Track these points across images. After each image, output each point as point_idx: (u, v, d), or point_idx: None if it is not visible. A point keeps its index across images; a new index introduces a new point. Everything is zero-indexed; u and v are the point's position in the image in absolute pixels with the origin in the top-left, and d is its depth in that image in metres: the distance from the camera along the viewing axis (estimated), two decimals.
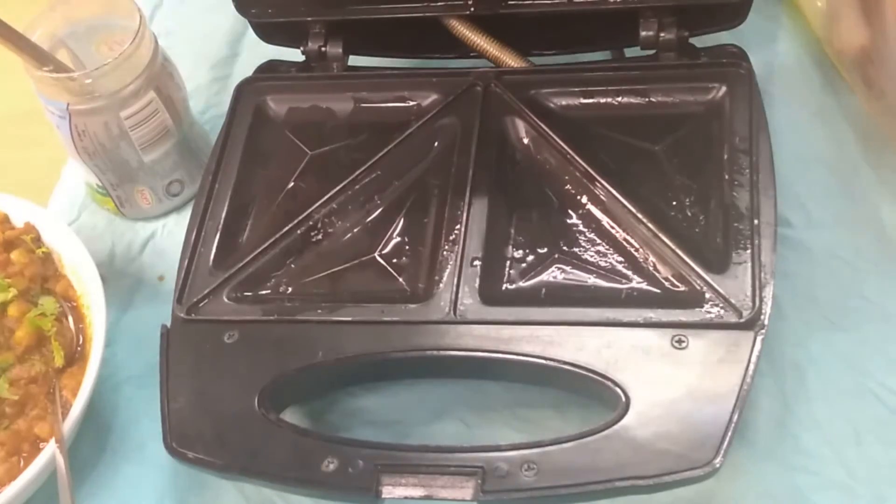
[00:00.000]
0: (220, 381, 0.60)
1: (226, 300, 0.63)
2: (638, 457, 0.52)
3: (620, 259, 0.61)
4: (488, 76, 0.68)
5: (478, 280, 0.60)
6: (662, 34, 0.68)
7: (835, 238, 0.65)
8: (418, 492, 0.54)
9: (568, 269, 0.61)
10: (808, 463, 0.57)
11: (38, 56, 0.67)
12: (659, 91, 0.66)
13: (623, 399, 0.54)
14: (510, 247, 0.63)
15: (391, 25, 0.72)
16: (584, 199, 0.63)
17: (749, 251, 0.57)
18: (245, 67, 0.80)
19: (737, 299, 0.56)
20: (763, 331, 0.55)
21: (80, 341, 0.65)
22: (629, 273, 0.60)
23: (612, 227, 0.62)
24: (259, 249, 0.64)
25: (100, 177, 0.73)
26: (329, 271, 0.64)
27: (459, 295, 0.59)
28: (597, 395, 0.56)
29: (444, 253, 0.62)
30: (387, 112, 0.70)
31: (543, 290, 0.61)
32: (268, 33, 0.75)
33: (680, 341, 0.55)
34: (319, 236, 0.66)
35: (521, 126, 0.66)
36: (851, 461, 0.57)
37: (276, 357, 0.60)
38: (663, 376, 0.55)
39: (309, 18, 0.73)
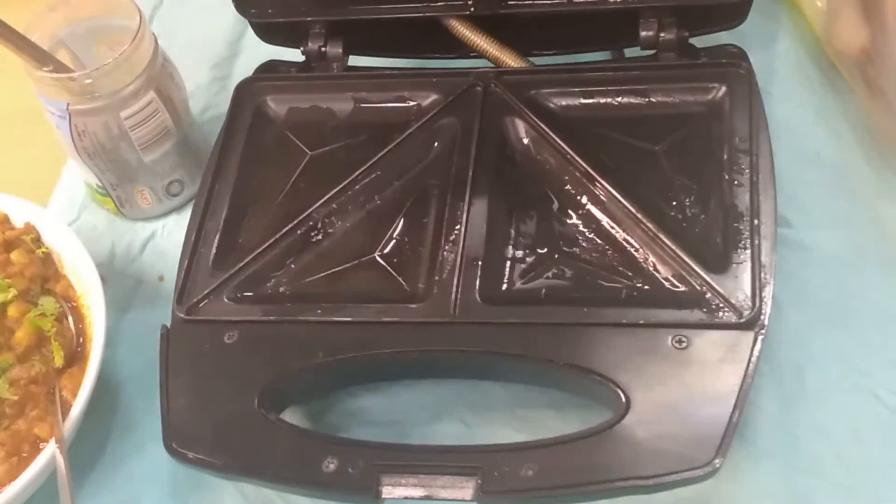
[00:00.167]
0: (220, 381, 0.60)
1: (226, 300, 0.63)
2: (638, 457, 0.52)
3: (620, 259, 0.61)
4: (488, 76, 0.68)
5: (478, 280, 0.60)
6: (662, 34, 0.68)
7: (835, 238, 0.65)
8: (418, 492, 0.54)
9: (568, 269, 0.61)
10: (808, 463, 0.57)
11: (38, 56, 0.67)
12: (659, 91, 0.66)
13: (623, 399, 0.54)
14: (510, 247, 0.63)
15: (391, 25, 0.72)
16: (584, 199, 0.63)
17: (749, 251, 0.57)
18: (245, 67, 0.80)
19: (737, 299, 0.56)
20: (763, 331, 0.55)
21: (80, 341, 0.65)
22: (629, 273, 0.60)
23: (612, 227, 0.62)
24: (259, 249, 0.64)
25: (100, 177, 0.73)
26: (329, 271, 0.64)
27: (459, 295, 0.59)
28: (597, 395, 0.56)
29: (444, 253, 0.62)
30: (387, 112, 0.70)
31: (543, 290, 0.61)
32: (268, 33, 0.75)
33: (680, 341, 0.55)
34: (319, 236, 0.66)
35: (521, 126, 0.66)
36: (851, 461, 0.57)
37: (276, 357, 0.60)
38: (663, 376, 0.55)
39: (309, 18, 0.73)
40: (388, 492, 0.54)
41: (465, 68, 0.72)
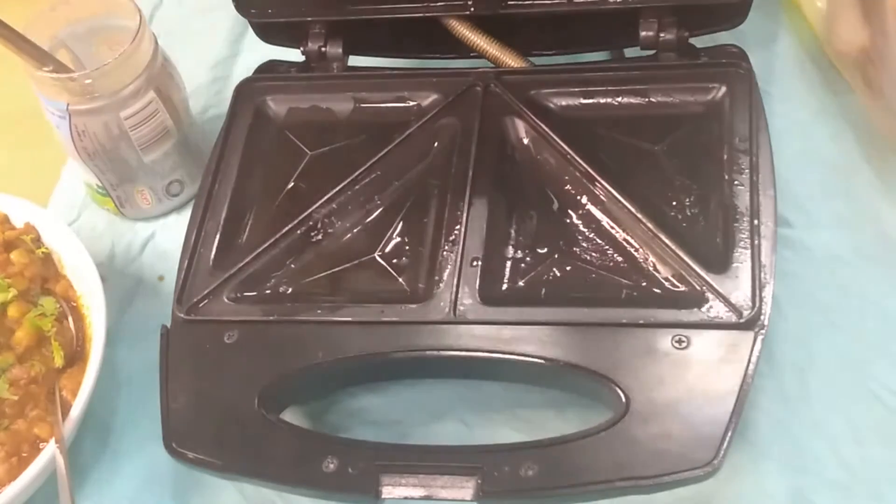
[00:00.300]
0: (220, 381, 0.60)
1: (226, 300, 0.63)
2: (638, 457, 0.52)
3: (620, 259, 0.61)
4: (488, 76, 0.68)
5: (478, 280, 0.60)
6: (662, 34, 0.67)
7: (835, 238, 0.65)
8: (418, 492, 0.54)
9: (568, 269, 0.61)
10: (808, 463, 0.57)
11: (38, 56, 0.67)
12: (659, 91, 0.66)
13: (623, 399, 0.54)
14: (510, 247, 0.63)
15: (391, 25, 0.72)
16: (584, 199, 0.63)
17: (749, 251, 0.57)
18: (245, 67, 0.80)
19: (737, 299, 0.56)
20: (763, 331, 0.55)
21: (80, 341, 0.65)
22: (629, 273, 0.60)
23: (612, 227, 0.62)
24: (259, 249, 0.64)
25: (100, 177, 0.73)
26: (329, 271, 0.64)
27: (459, 295, 0.59)
28: (597, 395, 0.56)
29: (444, 253, 0.62)
30: (387, 112, 0.70)
31: (543, 290, 0.61)
32: (268, 33, 0.75)
33: (680, 341, 0.55)
34: (319, 236, 0.66)
35: (521, 126, 0.66)
36: (851, 461, 0.57)
37: (276, 357, 0.60)
38: (663, 376, 0.55)
39: (309, 18, 0.73)
40: (388, 492, 0.54)
41: (465, 68, 0.72)
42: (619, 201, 0.61)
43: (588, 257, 0.61)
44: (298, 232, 0.65)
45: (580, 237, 0.62)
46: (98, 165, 0.72)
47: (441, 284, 0.60)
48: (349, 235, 0.66)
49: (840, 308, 0.62)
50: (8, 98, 0.80)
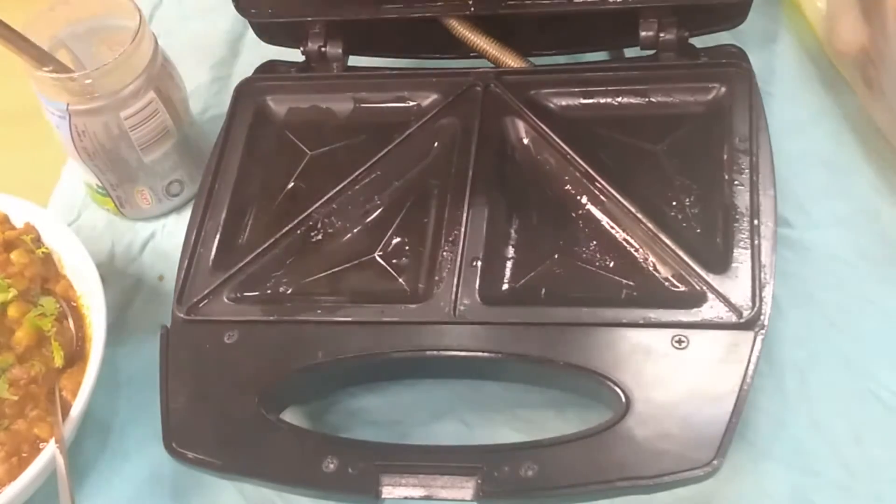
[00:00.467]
0: (220, 381, 0.60)
1: (226, 300, 0.63)
2: (638, 457, 0.52)
3: (620, 259, 0.61)
4: (488, 76, 0.68)
5: (478, 280, 0.60)
6: (662, 34, 0.68)
7: (835, 238, 0.65)
8: (418, 492, 0.54)
9: (568, 269, 0.61)
10: (808, 463, 0.57)
11: (38, 56, 0.67)
12: (659, 91, 0.66)
13: (623, 399, 0.54)
14: (510, 247, 0.63)
15: (391, 25, 0.72)
16: (584, 199, 0.63)
17: (749, 251, 0.58)
18: (245, 67, 0.80)
19: (737, 299, 0.56)
20: (763, 331, 0.55)
21: (80, 341, 0.65)
22: (629, 273, 0.60)
23: (612, 227, 0.62)
24: (259, 249, 0.64)
25: (100, 177, 0.73)
26: (329, 271, 0.64)
27: (459, 295, 0.59)
28: (597, 395, 0.56)
29: (444, 253, 0.62)
30: (387, 112, 0.70)
31: (543, 290, 0.61)
32: (268, 33, 0.75)
33: (680, 341, 0.55)
34: (319, 236, 0.66)
35: (521, 126, 0.66)
36: (851, 461, 0.57)
37: (276, 357, 0.60)
38: (663, 376, 0.55)
39: (309, 18, 0.73)
40: (388, 492, 0.54)
41: (465, 68, 0.72)
42: (619, 201, 0.61)
43: (588, 257, 0.61)
44: (298, 232, 0.65)
45: (580, 237, 0.62)
46: (98, 165, 0.72)
47: (441, 284, 0.60)
48: (349, 235, 0.66)
49: (840, 308, 0.62)
50: (8, 98, 0.80)
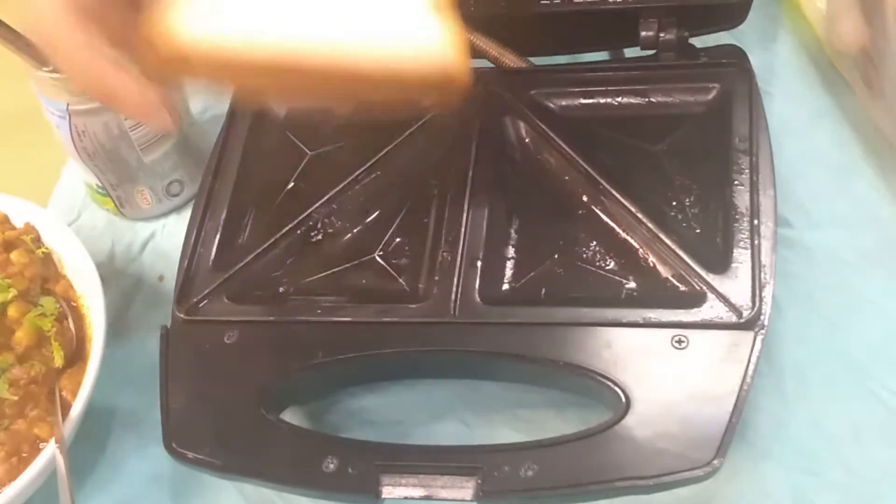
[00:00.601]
0: (220, 381, 0.60)
1: (226, 300, 0.63)
2: (638, 457, 0.52)
3: (620, 259, 0.61)
4: (488, 76, 0.68)
5: (478, 280, 0.60)
6: (662, 34, 0.67)
7: (835, 238, 0.65)
8: (418, 492, 0.54)
9: (568, 269, 0.61)
10: (808, 463, 0.57)
11: (38, 56, 0.67)
12: (659, 91, 0.66)
13: (623, 399, 0.54)
14: (510, 247, 0.63)
15: None
16: (584, 199, 0.63)
17: (749, 251, 0.57)
18: None
19: (737, 299, 0.56)
20: (763, 331, 0.55)
21: (80, 341, 0.65)
22: (629, 273, 0.60)
23: (612, 227, 0.62)
24: (259, 249, 0.64)
25: (100, 177, 0.73)
26: (329, 271, 0.64)
27: (459, 295, 0.59)
28: (597, 395, 0.56)
29: (444, 253, 0.62)
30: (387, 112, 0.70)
31: (543, 290, 0.61)
32: None
33: (680, 341, 0.55)
34: (319, 236, 0.66)
35: (521, 126, 0.66)
36: (851, 461, 0.57)
37: (276, 357, 0.60)
38: (663, 376, 0.55)
39: None
40: (388, 492, 0.54)
41: None
42: (619, 201, 0.61)
43: (588, 257, 0.61)
44: (298, 232, 0.65)
45: (580, 237, 0.62)
46: (98, 165, 0.72)
47: (441, 284, 0.60)
48: (349, 235, 0.66)
49: (840, 308, 0.62)
50: (8, 98, 0.80)
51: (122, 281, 0.72)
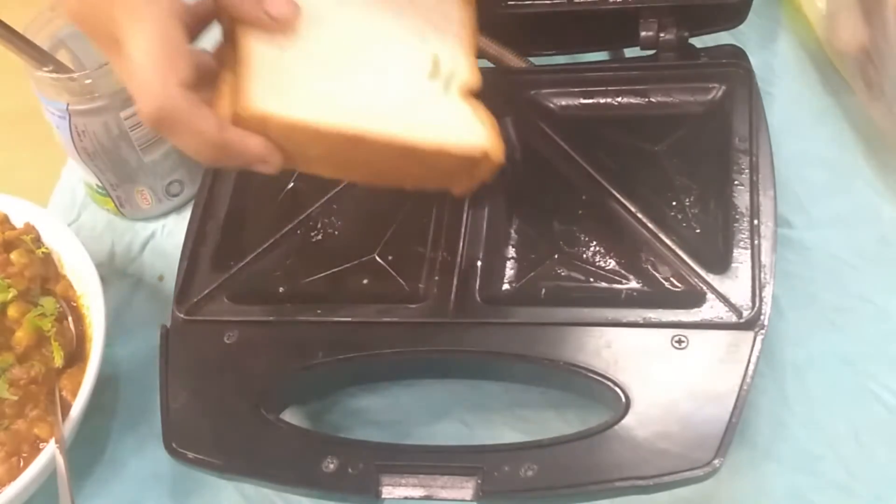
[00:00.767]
0: (220, 381, 0.60)
1: (226, 300, 0.63)
2: (638, 457, 0.52)
3: (620, 259, 0.61)
4: (488, 76, 0.68)
5: (478, 280, 0.60)
6: (662, 34, 0.67)
7: (835, 238, 0.65)
8: (418, 492, 0.54)
9: (568, 269, 0.61)
10: (808, 463, 0.57)
11: (38, 56, 0.67)
12: (659, 91, 0.66)
13: (623, 399, 0.54)
14: (510, 247, 0.63)
15: None
16: (584, 199, 0.63)
17: (749, 251, 0.57)
18: None
19: (737, 299, 0.56)
20: (763, 331, 0.55)
21: (80, 341, 0.65)
22: (629, 273, 0.60)
23: (612, 228, 0.62)
24: (259, 249, 0.64)
25: (100, 177, 0.73)
26: (329, 271, 0.64)
27: (459, 295, 0.59)
28: (597, 395, 0.56)
29: (444, 253, 0.62)
30: None
31: (543, 290, 0.61)
32: None
33: (680, 341, 0.55)
34: (319, 236, 0.66)
35: (521, 126, 0.66)
36: (851, 461, 0.57)
37: (276, 357, 0.60)
38: (663, 376, 0.55)
39: None
40: (388, 492, 0.54)
41: None
42: (620, 201, 0.61)
43: (588, 257, 0.61)
44: (298, 232, 0.65)
45: (580, 237, 0.62)
46: (98, 165, 0.72)
47: (441, 284, 0.60)
48: (349, 235, 0.65)
49: (840, 308, 0.62)
50: (8, 98, 0.80)
51: (122, 281, 0.72)
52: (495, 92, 0.67)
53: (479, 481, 0.53)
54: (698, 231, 0.61)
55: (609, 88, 0.67)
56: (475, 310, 0.59)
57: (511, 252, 0.63)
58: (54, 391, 0.62)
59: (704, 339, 0.55)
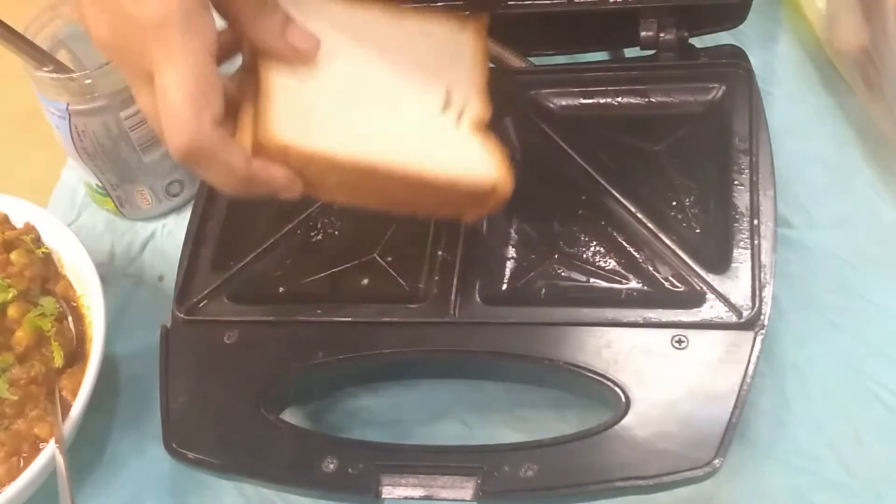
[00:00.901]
0: (220, 381, 0.60)
1: (226, 300, 0.63)
2: (638, 457, 0.52)
3: (620, 259, 0.61)
4: (488, 76, 0.68)
5: (477, 280, 0.60)
6: (662, 34, 0.67)
7: (835, 238, 0.65)
8: (418, 492, 0.54)
9: (568, 269, 0.61)
10: (808, 463, 0.57)
11: (38, 56, 0.67)
12: (659, 91, 0.66)
13: (623, 399, 0.54)
14: (510, 247, 0.63)
15: None
16: (584, 199, 0.63)
17: (749, 251, 0.57)
18: None
19: (737, 299, 0.56)
20: (763, 331, 0.55)
21: (80, 341, 0.65)
22: (629, 273, 0.60)
23: (612, 228, 0.62)
24: (259, 249, 0.64)
25: (99, 177, 0.73)
26: (329, 271, 0.64)
27: (459, 295, 0.59)
28: (597, 395, 0.56)
29: (444, 253, 0.62)
30: None
31: (543, 290, 0.61)
32: None
33: (680, 341, 0.55)
34: (319, 236, 0.66)
35: (521, 126, 0.66)
36: (851, 461, 0.57)
37: (276, 357, 0.60)
38: (663, 376, 0.54)
39: None
40: (388, 492, 0.54)
41: None
42: (619, 201, 0.61)
43: (588, 257, 0.61)
44: (298, 232, 0.65)
45: (580, 237, 0.62)
46: (98, 165, 0.72)
47: (441, 284, 0.60)
48: (349, 235, 0.65)
49: (840, 308, 0.62)
50: (8, 98, 0.80)
51: (122, 281, 0.72)
52: (495, 92, 0.67)
53: (479, 481, 0.53)
54: (698, 231, 0.61)
55: (609, 88, 0.67)
56: (475, 310, 0.59)
57: (511, 252, 0.63)
58: (54, 391, 0.62)
59: (704, 339, 0.55)
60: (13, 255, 0.67)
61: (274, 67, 0.55)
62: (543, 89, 0.68)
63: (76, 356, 0.65)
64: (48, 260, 0.69)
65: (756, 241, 0.58)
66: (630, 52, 0.72)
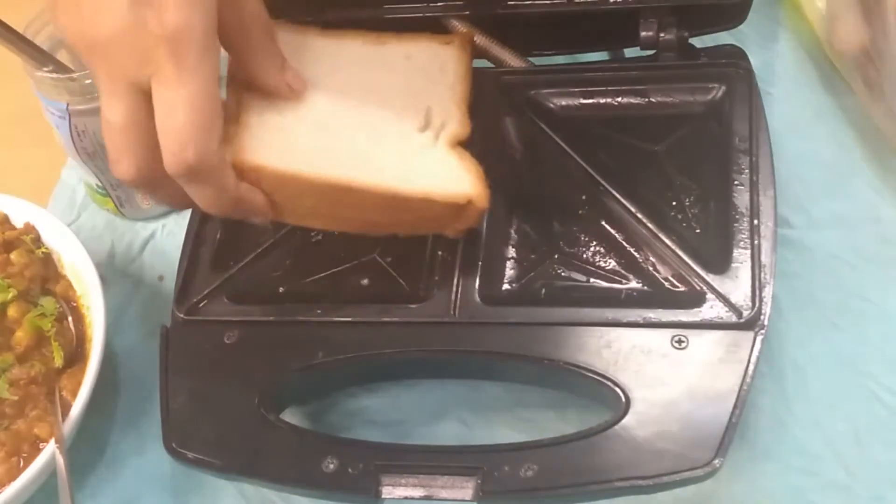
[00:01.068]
0: (220, 381, 0.60)
1: (226, 300, 0.63)
2: (638, 457, 0.52)
3: (620, 259, 0.61)
4: (488, 76, 0.68)
5: (478, 280, 0.60)
6: (662, 34, 0.67)
7: (835, 238, 0.65)
8: (418, 492, 0.54)
9: (568, 269, 0.61)
10: (808, 463, 0.57)
11: (38, 56, 0.67)
12: (659, 91, 0.66)
13: (623, 399, 0.54)
14: (510, 247, 0.63)
15: (391, 26, 0.72)
16: (584, 199, 0.63)
17: (749, 251, 0.57)
18: None
19: (737, 299, 0.56)
20: (763, 331, 0.55)
21: (80, 341, 0.65)
22: (629, 273, 0.60)
23: (612, 228, 0.62)
24: (259, 249, 0.64)
25: (99, 177, 0.73)
26: (329, 271, 0.64)
27: (459, 295, 0.59)
28: (597, 395, 0.56)
29: (444, 253, 0.62)
30: None
31: (543, 290, 0.61)
32: None
33: (680, 341, 0.55)
34: (319, 236, 0.65)
35: (521, 126, 0.66)
36: (851, 461, 0.57)
37: (276, 357, 0.60)
38: (663, 376, 0.54)
39: (308, 19, 0.72)
40: (388, 492, 0.54)
41: None
42: (619, 201, 0.61)
43: (588, 257, 0.61)
44: (298, 232, 0.65)
45: (580, 237, 0.62)
46: (98, 165, 0.72)
47: (441, 284, 0.60)
48: (349, 235, 0.65)
49: (840, 308, 0.62)
50: (8, 98, 0.80)
51: (122, 281, 0.72)
52: (495, 92, 0.67)
53: (479, 481, 0.53)
54: (698, 231, 0.61)
55: (609, 88, 0.67)
56: (475, 310, 0.59)
57: (511, 252, 0.63)
58: (54, 391, 0.62)
59: (704, 339, 0.55)
60: (13, 255, 0.67)
61: (251, 90, 0.56)
62: (543, 89, 0.68)
63: (76, 356, 0.65)
64: (48, 260, 0.69)
65: (756, 241, 0.58)
66: (630, 52, 0.72)
